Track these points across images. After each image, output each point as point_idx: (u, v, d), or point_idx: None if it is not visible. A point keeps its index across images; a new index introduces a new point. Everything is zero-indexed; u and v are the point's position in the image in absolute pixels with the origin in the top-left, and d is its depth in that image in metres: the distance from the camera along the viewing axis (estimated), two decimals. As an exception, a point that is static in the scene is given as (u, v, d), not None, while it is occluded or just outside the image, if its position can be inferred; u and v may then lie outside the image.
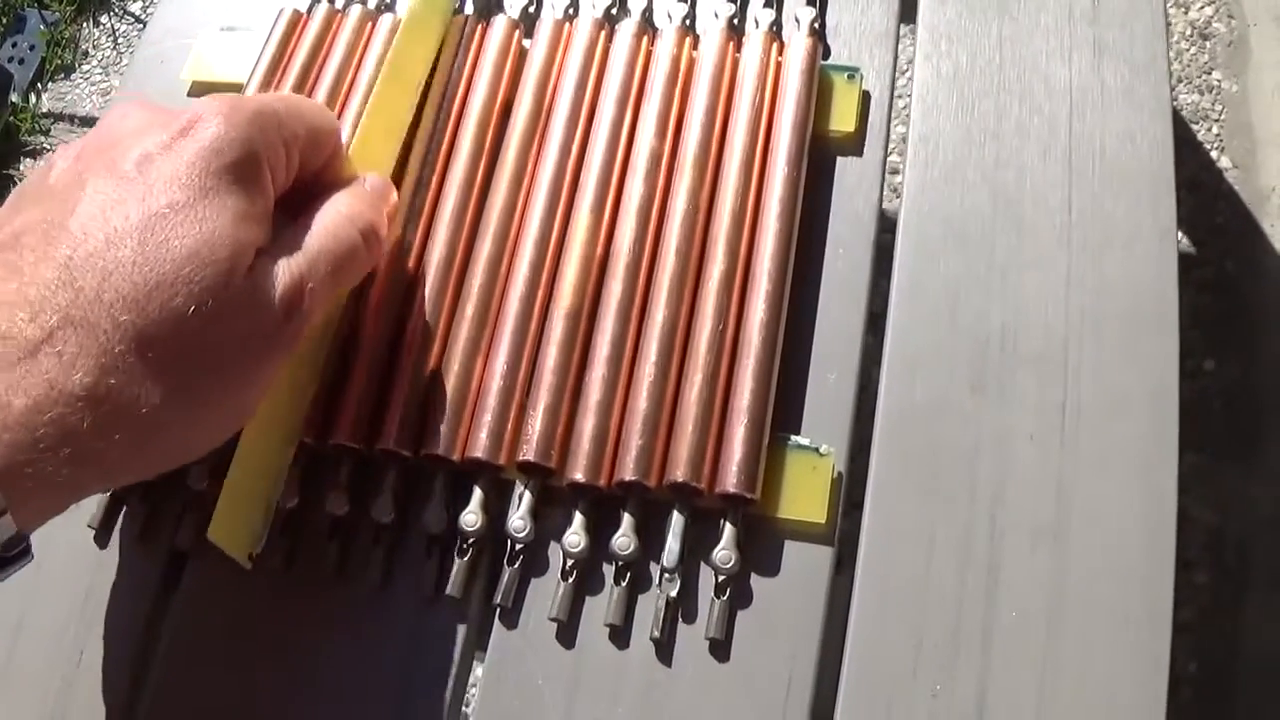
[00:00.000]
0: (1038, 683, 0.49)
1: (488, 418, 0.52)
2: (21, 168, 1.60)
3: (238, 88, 0.64)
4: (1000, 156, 0.60)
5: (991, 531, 0.52)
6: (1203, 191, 1.44)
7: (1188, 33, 1.55)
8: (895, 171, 0.61)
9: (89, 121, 1.60)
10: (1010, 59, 0.63)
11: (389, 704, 0.51)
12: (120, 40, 1.73)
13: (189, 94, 0.68)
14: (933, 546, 0.51)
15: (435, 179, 0.58)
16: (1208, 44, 1.54)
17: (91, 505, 0.55)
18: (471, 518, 0.51)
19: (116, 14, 1.77)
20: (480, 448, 0.51)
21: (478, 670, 0.52)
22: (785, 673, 0.49)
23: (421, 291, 0.55)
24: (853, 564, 0.52)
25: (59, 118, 1.65)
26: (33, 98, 1.69)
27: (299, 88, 0.63)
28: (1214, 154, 1.47)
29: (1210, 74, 1.52)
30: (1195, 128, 1.48)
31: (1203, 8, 1.57)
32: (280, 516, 0.53)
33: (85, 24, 1.76)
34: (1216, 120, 1.50)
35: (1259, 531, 1.28)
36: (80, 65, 1.71)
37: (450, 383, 0.53)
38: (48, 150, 1.61)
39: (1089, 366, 0.55)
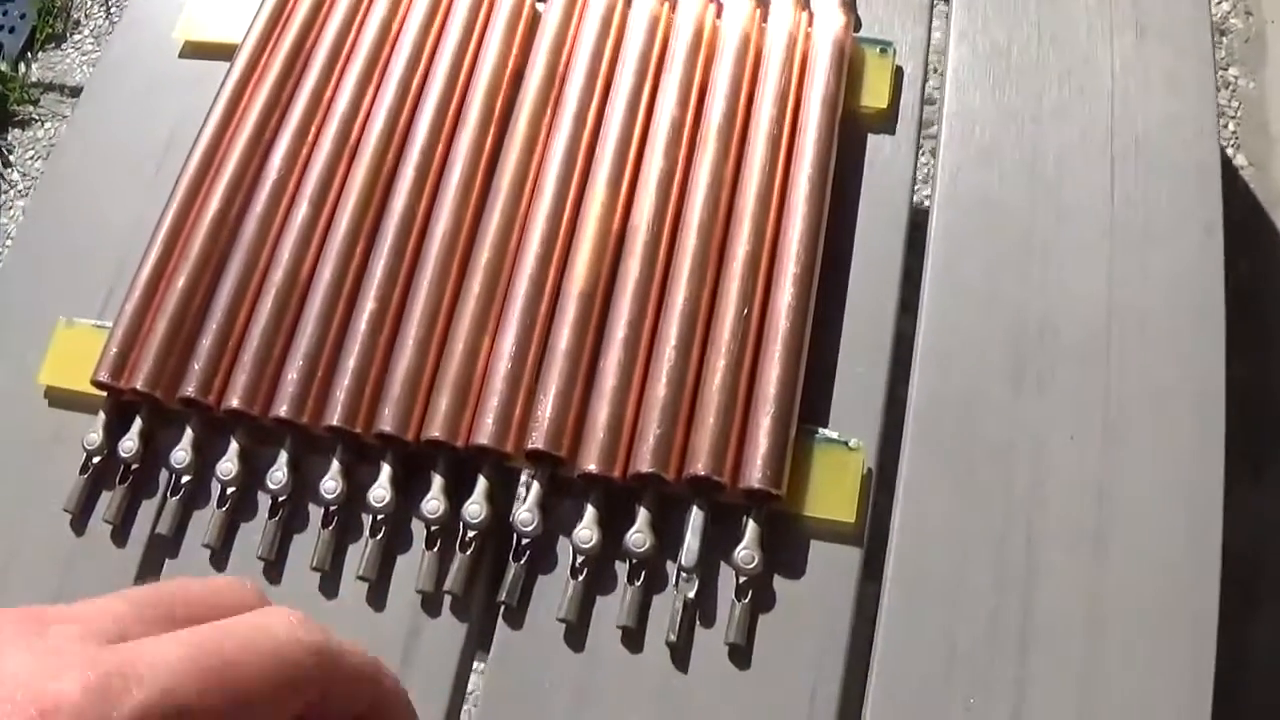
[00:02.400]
0: (1077, 696, 0.45)
1: (494, 402, 0.48)
2: (9, 138, 1.56)
3: (230, 49, 0.61)
4: (1039, 139, 0.57)
5: (1029, 534, 0.48)
6: (1217, 190, 1.40)
7: (1204, 28, 1.52)
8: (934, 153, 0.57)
9: (77, 91, 1.56)
10: (1050, 38, 0.60)
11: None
12: (113, 9, 1.69)
13: (180, 55, 0.64)
14: (967, 549, 0.48)
15: (441, 146, 0.55)
16: (1224, 40, 1.51)
17: (65, 486, 0.52)
18: (475, 508, 0.48)
19: (109, -16, 1.73)
20: (486, 434, 0.48)
21: (478, 674, 0.49)
22: (809, 681, 0.46)
23: (424, 265, 0.52)
24: (881, 564, 0.48)
25: (49, 88, 1.61)
26: (22, 67, 1.65)
27: (297, 48, 0.59)
28: (1230, 151, 1.44)
29: (1226, 70, 1.49)
30: (1211, 125, 1.45)
31: (1220, 3, 1.54)
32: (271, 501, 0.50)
33: (77, -6, 1.72)
34: (1233, 117, 1.46)
35: (1268, 538, 1.25)
36: (71, 35, 1.67)
37: (453, 364, 0.49)
38: (35, 121, 1.57)
39: (1133, 362, 0.51)
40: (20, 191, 1.52)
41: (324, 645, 0.28)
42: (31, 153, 1.56)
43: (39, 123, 1.60)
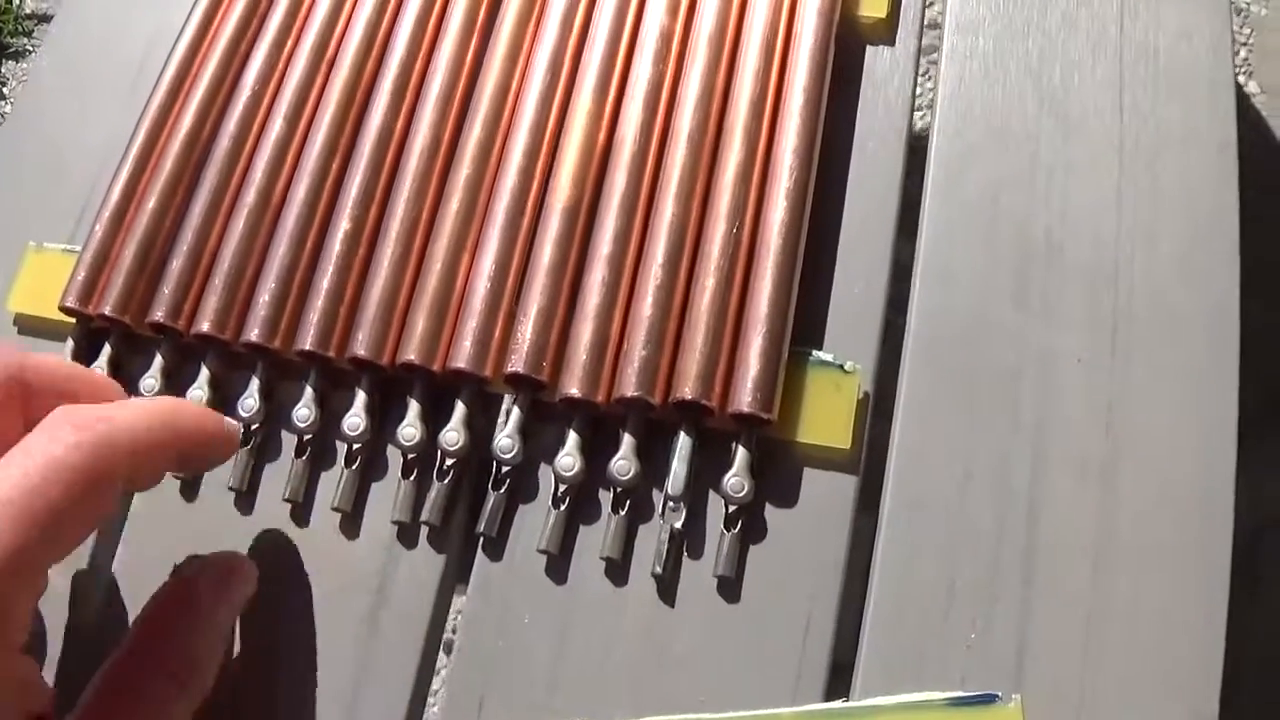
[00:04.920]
0: (1084, 632, 0.44)
1: (472, 324, 0.46)
2: (2, 70, 1.54)
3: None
4: (1045, 51, 0.55)
5: (1034, 462, 0.46)
6: (1229, 117, 1.38)
7: (1217, -48, 1.48)
8: (935, 65, 0.55)
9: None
10: (1058, -55, 0.57)
11: (354, 644, 0.45)
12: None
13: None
14: (969, 478, 0.46)
15: (421, 55, 0.52)
16: (1235, -36, 1.48)
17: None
18: (453, 435, 0.46)
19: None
20: (463, 357, 0.46)
21: (457, 607, 0.47)
22: (802, 615, 0.44)
23: (401, 181, 0.49)
24: (878, 495, 0.46)
25: (42, 19, 1.59)
26: (15, -1, 1.63)
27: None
28: (1242, 79, 1.41)
29: (1235, -4, 1.46)
30: (1223, 51, 1.42)
31: (1233, -75, 1.51)
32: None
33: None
34: (1244, 44, 1.43)
35: (1271, 520, 1.22)
36: (63, -33, 1.65)
37: (431, 284, 0.47)
38: (29, 53, 1.55)
39: (1142, 282, 0.49)
40: (11, 123, 1.50)
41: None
42: (24, 85, 1.55)
43: (32, 54, 1.58)
